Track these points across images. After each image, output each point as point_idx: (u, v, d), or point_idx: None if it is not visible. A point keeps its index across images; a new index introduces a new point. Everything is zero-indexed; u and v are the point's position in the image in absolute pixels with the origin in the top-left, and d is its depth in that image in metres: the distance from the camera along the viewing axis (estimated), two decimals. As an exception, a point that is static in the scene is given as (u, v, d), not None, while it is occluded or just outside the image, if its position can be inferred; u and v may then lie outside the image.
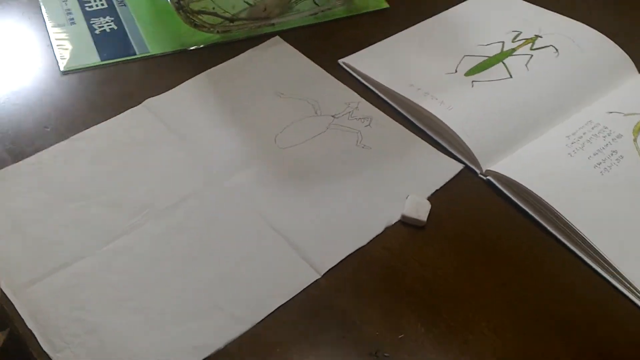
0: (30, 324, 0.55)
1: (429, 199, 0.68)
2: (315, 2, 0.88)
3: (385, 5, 0.93)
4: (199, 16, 0.80)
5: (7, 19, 0.85)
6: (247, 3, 0.83)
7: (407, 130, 0.76)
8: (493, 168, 0.70)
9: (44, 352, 0.53)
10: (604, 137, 0.73)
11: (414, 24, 0.90)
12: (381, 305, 0.59)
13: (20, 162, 0.68)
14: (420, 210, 0.66)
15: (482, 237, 0.66)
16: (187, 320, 0.56)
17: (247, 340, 0.56)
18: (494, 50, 0.84)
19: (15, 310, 0.56)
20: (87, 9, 0.86)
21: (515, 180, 0.67)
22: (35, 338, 0.54)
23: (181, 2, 0.77)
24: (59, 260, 0.60)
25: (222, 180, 0.68)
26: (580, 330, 0.59)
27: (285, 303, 0.59)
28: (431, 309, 0.60)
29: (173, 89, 0.77)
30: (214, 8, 0.81)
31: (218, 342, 0.55)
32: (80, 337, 0.55)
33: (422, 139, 0.75)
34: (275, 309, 0.58)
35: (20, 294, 0.57)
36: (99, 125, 0.72)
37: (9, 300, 0.57)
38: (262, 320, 0.57)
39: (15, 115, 0.73)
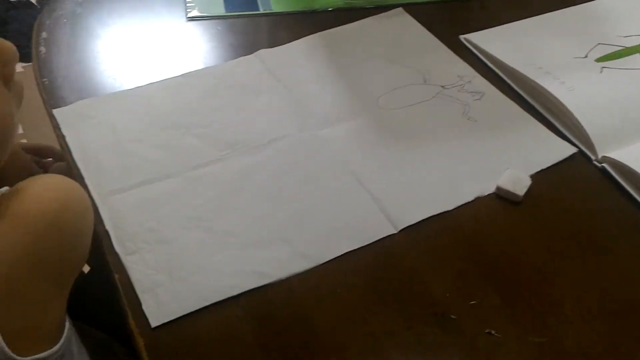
0: (108, 226, 0.57)
1: (531, 177, 0.63)
2: (445, -21, 0.86)
3: (521, -10, 0.89)
4: (324, -23, 0.81)
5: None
6: (375, -29, 0.83)
7: (519, 108, 0.71)
8: (611, 155, 0.63)
9: (115, 252, 0.55)
10: None
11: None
12: (456, 270, 0.55)
13: (134, 88, 0.71)
14: (518, 184, 0.61)
15: (581, 224, 0.60)
16: (255, 247, 0.56)
17: (311, 277, 0.55)
18: (634, 42, 0.77)
19: (98, 213, 0.58)
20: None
21: (634, 170, 0.61)
22: (110, 239, 0.56)
23: (308, -40, 0.78)
24: (145, 177, 0.62)
25: (317, 130, 0.67)
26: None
27: (355, 250, 0.56)
28: (511, 284, 0.54)
29: (286, 44, 0.78)
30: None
31: (281, 273, 0.54)
32: (151, 245, 0.56)
33: (534, 118, 0.70)
34: (345, 254, 0.56)
35: (105, 199, 0.59)
36: (210, 67, 0.74)
37: (95, 204, 0.59)
38: (330, 261, 0.55)
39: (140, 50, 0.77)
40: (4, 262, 0.43)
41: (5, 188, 0.47)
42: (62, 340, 0.48)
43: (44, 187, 0.47)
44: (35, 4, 2.23)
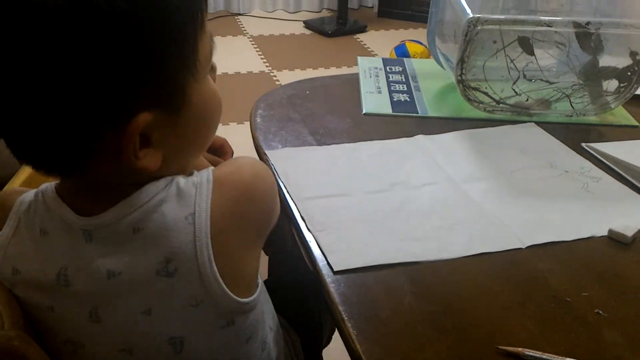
0: (301, 214, 0.78)
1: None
2: (571, 105, 1.07)
3: (635, 123, 1.07)
4: (474, 92, 1.04)
5: (337, 87, 1.19)
6: (515, 92, 1.05)
7: (631, 190, 0.87)
8: None
9: (309, 230, 0.75)
10: None
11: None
12: (570, 274, 0.70)
13: (325, 147, 0.95)
14: (628, 229, 0.76)
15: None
16: (413, 240, 0.74)
17: (454, 264, 0.71)
18: None
19: (292, 213, 0.79)
20: (392, 87, 1.16)
21: None
22: (304, 221, 0.76)
23: (462, 76, 1.02)
24: (331, 192, 0.83)
25: (461, 184, 0.87)
26: None
27: (489, 254, 0.73)
28: (608, 285, 0.68)
29: (438, 134, 1.00)
30: (486, 88, 1.04)
31: (431, 256, 0.72)
32: (334, 231, 0.75)
33: (643, 196, 0.85)
34: (480, 254, 0.72)
35: (300, 203, 0.80)
36: (378, 141, 0.97)
37: (290, 206, 0.80)
38: (468, 256, 0.72)
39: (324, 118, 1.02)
40: (216, 219, 0.56)
41: (211, 168, 0.62)
42: (258, 289, 0.63)
43: (241, 163, 0.62)
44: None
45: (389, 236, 0.76)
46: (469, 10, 0.99)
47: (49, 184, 0.60)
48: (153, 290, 0.56)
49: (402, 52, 3.25)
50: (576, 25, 1.00)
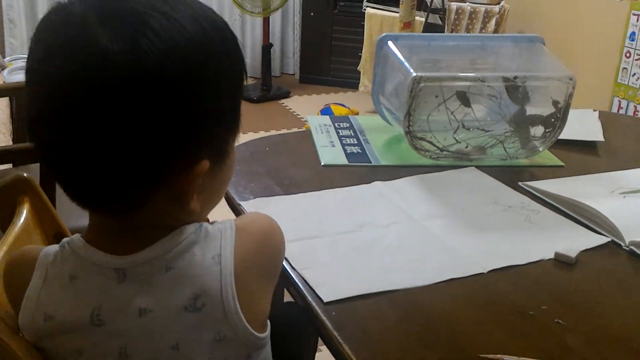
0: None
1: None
2: (505, 150, 1.19)
3: (561, 163, 1.21)
4: (420, 141, 1.15)
5: (293, 143, 1.28)
6: (455, 140, 1.17)
7: (567, 219, 0.99)
8: (635, 239, 0.89)
9: (294, 269, 0.81)
10: None
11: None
12: (529, 290, 0.79)
13: (293, 195, 1.02)
14: (571, 251, 0.87)
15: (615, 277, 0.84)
16: (387, 272, 0.82)
17: (430, 289, 0.79)
18: (647, 188, 1.07)
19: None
20: (343, 141, 1.26)
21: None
22: (288, 261, 0.83)
23: (410, 128, 1.13)
24: (306, 235, 0.90)
25: (421, 221, 0.96)
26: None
27: (457, 279, 0.82)
28: (555, 300, 0.78)
29: (394, 180, 1.10)
30: (430, 137, 1.16)
31: (405, 284, 0.79)
32: (317, 268, 0.82)
33: (578, 225, 0.97)
34: (449, 280, 0.81)
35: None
36: (341, 188, 1.06)
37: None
38: (439, 282, 0.81)
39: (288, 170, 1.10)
40: (238, 261, 0.62)
41: (230, 220, 0.69)
42: (268, 329, 0.68)
43: (258, 216, 0.71)
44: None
45: (367, 269, 0.83)
46: (412, 70, 1.11)
47: (75, 235, 0.64)
48: (181, 326, 0.61)
49: (327, 114, 3.40)
50: (505, 79, 1.14)
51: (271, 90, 4.18)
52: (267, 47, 4.19)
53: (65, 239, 0.64)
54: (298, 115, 3.83)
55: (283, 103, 4.05)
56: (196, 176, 0.59)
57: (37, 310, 0.62)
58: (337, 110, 3.40)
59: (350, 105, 3.51)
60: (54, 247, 0.64)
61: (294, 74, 4.71)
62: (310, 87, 4.40)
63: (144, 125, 0.55)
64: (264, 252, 0.66)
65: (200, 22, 0.58)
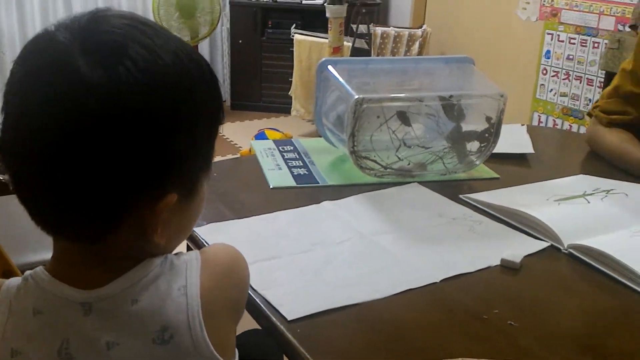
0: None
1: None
2: (444, 166, 1.25)
3: (496, 175, 1.28)
4: (364, 160, 1.19)
5: (240, 168, 1.29)
6: (398, 157, 1.22)
7: (507, 227, 1.04)
8: (571, 243, 0.95)
9: (255, 290, 0.83)
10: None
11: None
12: (480, 295, 0.83)
13: (246, 219, 1.04)
14: (516, 257, 0.92)
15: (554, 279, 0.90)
16: (342, 287, 0.84)
17: (388, 301, 0.82)
18: (579, 194, 1.14)
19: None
20: (289, 163, 1.28)
21: (586, 245, 0.93)
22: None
23: (354, 148, 1.17)
24: (263, 257, 0.92)
25: (371, 237, 0.99)
26: None
27: (413, 289, 0.85)
28: (507, 305, 0.83)
29: (341, 199, 1.13)
30: (374, 156, 1.20)
31: (367, 297, 0.82)
32: (277, 288, 0.84)
33: (518, 231, 1.02)
34: (405, 291, 0.84)
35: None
36: (292, 210, 1.08)
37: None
38: (395, 294, 0.84)
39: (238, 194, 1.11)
40: (204, 291, 0.63)
41: (196, 251, 0.70)
42: (236, 357, 0.68)
43: (221, 247, 0.72)
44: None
45: (325, 286, 0.86)
46: (354, 92, 1.15)
47: (38, 268, 0.63)
48: (151, 359, 0.61)
49: (262, 139, 3.42)
50: (441, 98, 1.20)
51: (203, 118, 4.17)
52: (197, 75, 4.18)
53: (28, 272, 0.63)
54: (232, 142, 3.84)
55: (216, 130, 4.04)
56: (162, 209, 0.60)
57: (3, 345, 0.61)
58: (272, 135, 3.42)
59: (284, 129, 3.55)
60: (16, 280, 0.63)
61: (224, 101, 4.71)
62: (242, 114, 4.41)
63: (115, 155, 0.55)
64: (229, 282, 0.67)
65: (180, 56, 0.59)
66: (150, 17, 4.08)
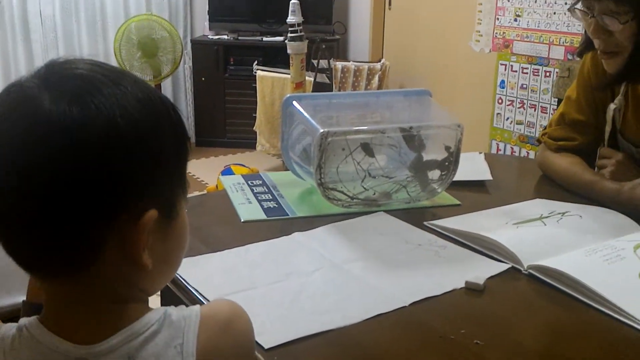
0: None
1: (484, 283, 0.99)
2: (408, 194, 1.30)
3: (458, 202, 1.33)
4: (332, 191, 1.23)
5: (210, 203, 1.32)
6: (364, 188, 1.26)
7: (470, 250, 1.09)
8: (531, 264, 1.01)
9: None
10: (611, 248, 1.03)
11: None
12: (450, 314, 0.88)
13: (219, 252, 1.06)
14: (479, 279, 0.97)
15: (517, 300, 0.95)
16: (314, 314, 0.87)
17: (361, 326, 0.85)
18: (536, 217, 1.20)
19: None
20: (259, 197, 1.32)
21: (545, 265, 0.98)
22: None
23: (322, 180, 1.21)
24: (239, 288, 0.95)
25: (342, 265, 1.03)
26: None
27: (383, 314, 0.89)
28: (474, 326, 0.87)
29: (311, 230, 1.17)
30: (341, 187, 1.24)
31: (340, 323, 0.85)
32: (254, 318, 0.86)
33: (480, 254, 1.07)
34: (376, 316, 0.88)
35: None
36: (264, 242, 1.11)
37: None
38: (367, 319, 0.87)
39: (210, 229, 1.14)
40: (203, 351, 0.64)
41: (197, 306, 0.71)
42: None
43: (221, 303, 0.72)
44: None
45: (300, 314, 0.89)
46: (319, 126, 1.19)
47: (32, 318, 0.64)
48: None
49: (229, 175, 3.45)
50: (402, 130, 1.26)
51: (168, 156, 4.18)
52: (160, 113, 4.21)
53: (22, 322, 0.65)
54: (198, 178, 3.85)
55: (181, 167, 4.05)
56: (144, 226, 0.61)
57: None
58: (238, 171, 3.45)
59: (250, 164, 3.58)
60: (10, 329, 0.64)
61: (189, 138, 4.73)
62: (207, 150, 4.44)
63: (83, 184, 0.58)
64: (228, 338, 0.68)
65: (143, 94, 0.63)
66: (112, 57, 4.11)
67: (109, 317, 0.63)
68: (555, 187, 1.41)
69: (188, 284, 0.96)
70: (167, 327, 0.64)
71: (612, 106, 1.38)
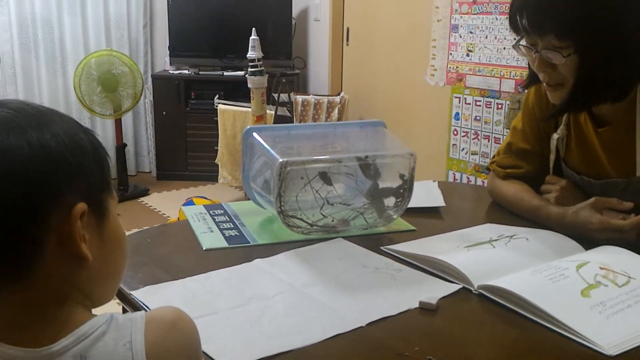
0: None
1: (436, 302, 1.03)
2: (365, 221, 1.35)
3: (413, 228, 1.39)
4: (292, 219, 1.27)
5: (172, 233, 1.35)
6: (323, 215, 1.31)
7: (425, 274, 1.14)
8: (481, 284, 1.06)
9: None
10: (555, 268, 1.09)
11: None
12: (404, 335, 0.92)
13: (181, 280, 1.09)
14: (432, 299, 1.02)
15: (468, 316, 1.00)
16: (280, 336, 0.91)
17: (320, 347, 0.89)
18: (486, 240, 1.26)
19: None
20: (220, 226, 1.35)
21: (494, 285, 1.03)
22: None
23: (282, 208, 1.25)
24: (201, 313, 0.98)
25: (302, 289, 1.07)
26: None
27: (342, 334, 0.93)
28: (431, 344, 0.92)
29: (272, 256, 1.20)
30: (301, 215, 1.28)
31: (301, 344, 0.89)
32: (217, 341, 0.89)
33: (434, 277, 1.13)
34: (335, 336, 0.92)
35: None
36: (225, 269, 1.14)
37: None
38: (326, 340, 0.91)
39: (172, 258, 1.16)
40: (151, 348, 0.67)
41: (141, 311, 0.75)
42: None
43: (165, 308, 0.76)
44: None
45: (261, 336, 0.92)
46: (278, 156, 1.24)
47: None
48: None
49: (190, 207, 3.46)
50: (358, 159, 1.31)
51: (129, 190, 4.17)
52: (121, 147, 4.21)
53: None
54: (160, 211, 3.84)
55: (143, 201, 4.05)
56: (76, 215, 0.66)
57: None
58: (200, 203, 3.47)
59: (212, 197, 3.60)
60: None
61: (150, 172, 4.73)
62: (168, 184, 4.44)
63: (13, 187, 0.64)
64: (174, 338, 0.72)
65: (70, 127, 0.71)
66: (72, 92, 4.11)
67: (55, 321, 0.67)
68: (504, 212, 1.48)
69: (149, 310, 0.99)
70: (114, 329, 0.68)
71: (555, 136, 1.47)
